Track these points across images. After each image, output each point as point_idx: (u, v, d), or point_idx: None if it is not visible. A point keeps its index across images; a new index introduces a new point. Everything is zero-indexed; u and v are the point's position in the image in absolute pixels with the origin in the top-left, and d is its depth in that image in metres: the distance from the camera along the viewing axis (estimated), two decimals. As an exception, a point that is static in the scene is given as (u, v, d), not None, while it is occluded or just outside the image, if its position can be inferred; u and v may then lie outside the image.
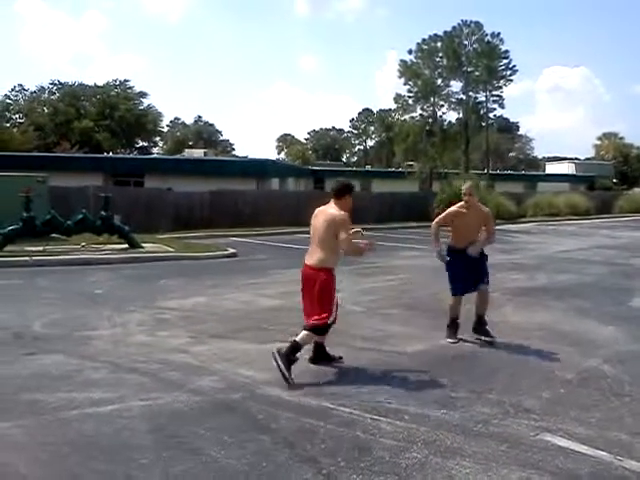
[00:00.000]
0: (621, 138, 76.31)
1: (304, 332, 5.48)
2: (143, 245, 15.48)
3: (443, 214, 7.08)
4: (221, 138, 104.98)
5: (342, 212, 5.60)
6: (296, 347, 5.36)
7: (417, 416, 4.54)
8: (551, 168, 67.90)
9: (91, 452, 3.88)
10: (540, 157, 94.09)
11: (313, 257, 5.66)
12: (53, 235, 15.23)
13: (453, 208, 7.03)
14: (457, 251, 6.87)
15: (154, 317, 7.88)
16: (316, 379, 5.40)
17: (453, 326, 6.92)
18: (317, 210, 5.91)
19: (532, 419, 4.54)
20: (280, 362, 5.20)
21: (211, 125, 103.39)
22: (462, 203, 6.89)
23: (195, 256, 14.64)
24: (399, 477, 3.60)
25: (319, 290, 5.47)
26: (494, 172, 51.46)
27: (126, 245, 15.22)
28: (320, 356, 5.88)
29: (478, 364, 5.98)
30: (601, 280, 11.79)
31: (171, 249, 15.53)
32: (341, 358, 5.94)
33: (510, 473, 3.67)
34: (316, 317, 5.46)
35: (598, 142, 78.43)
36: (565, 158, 75.36)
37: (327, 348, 5.93)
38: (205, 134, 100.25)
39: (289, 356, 5.27)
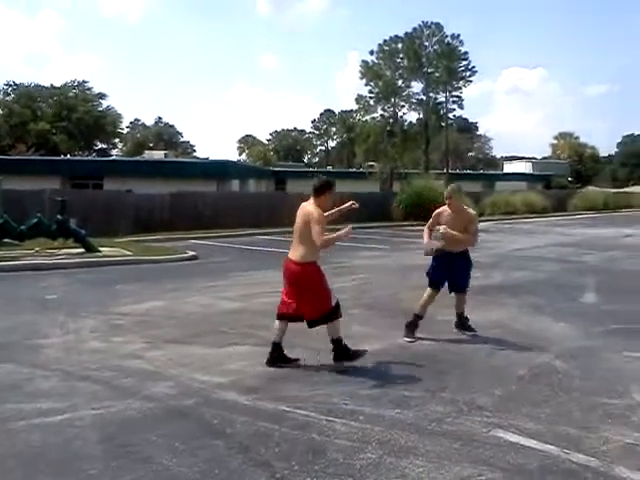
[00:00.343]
0: (576, 138, 78.23)
1: (327, 327, 5.84)
2: (100, 249, 15.21)
3: (432, 217, 7.18)
4: (182, 139, 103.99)
5: (317, 210, 5.74)
6: (337, 341, 5.80)
7: (372, 416, 4.56)
8: (509, 167, 69.08)
9: (38, 464, 3.79)
10: (498, 156, 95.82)
11: (295, 252, 5.85)
12: (5, 240, 14.85)
13: (438, 210, 7.14)
14: (443, 253, 6.98)
15: (108, 323, 7.75)
16: (272, 382, 5.38)
17: (412, 325, 7.00)
18: (300, 207, 6.02)
19: (485, 416, 4.60)
20: (339, 356, 5.79)
21: (172, 126, 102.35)
22: (446, 206, 6.99)
23: (154, 259, 14.46)
24: (353, 478, 3.60)
25: (310, 286, 5.73)
26: (453, 172, 52.12)
27: (82, 249, 14.93)
28: (277, 358, 5.87)
29: (433, 363, 6.03)
30: (555, 277, 12.04)
31: (129, 253, 15.30)
32: (298, 360, 5.95)
33: (462, 470, 3.72)
34: (318, 308, 5.74)
35: (554, 142, 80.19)
36: (523, 157, 76.85)
37: (285, 351, 5.93)
38: (165, 135, 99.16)
39: (341, 352, 5.80)
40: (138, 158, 50.03)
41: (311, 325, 5.87)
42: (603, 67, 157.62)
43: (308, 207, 5.85)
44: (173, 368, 5.79)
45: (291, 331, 7.18)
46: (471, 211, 7.21)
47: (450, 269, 7.02)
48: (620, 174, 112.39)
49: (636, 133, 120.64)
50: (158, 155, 47.36)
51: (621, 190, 65.92)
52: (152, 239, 19.44)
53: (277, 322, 5.98)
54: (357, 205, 6.39)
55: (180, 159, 53.76)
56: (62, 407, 4.72)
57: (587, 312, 8.59)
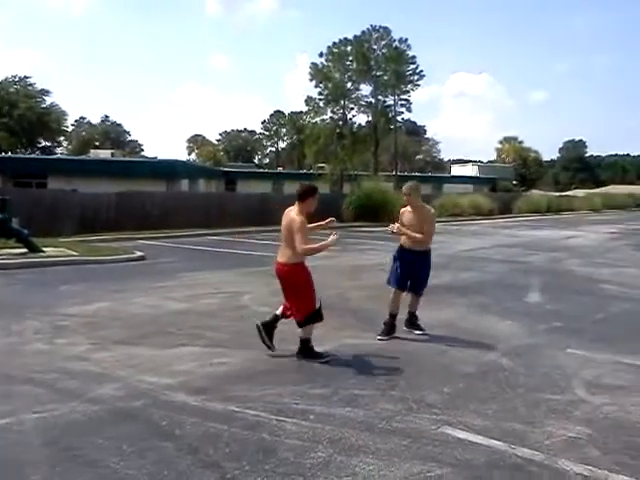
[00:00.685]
0: (520, 142, 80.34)
1: (300, 330, 6.06)
2: (44, 249, 14.76)
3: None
4: (129, 138, 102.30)
5: (299, 216, 5.89)
6: (305, 341, 6.05)
7: (322, 415, 4.56)
8: (456, 170, 70.41)
9: (-23, 470, 3.66)
10: (446, 160, 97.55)
11: (283, 255, 6.05)
12: (-58, 241, 14.28)
13: (402, 209, 7.32)
14: (403, 250, 7.17)
15: (53, 324, 7.52)
16: (222, 382, 5.32)
17: (388, 325, 7.06)
18: (285, 212, 6.19)
19: (433, 413, 4.66)
20: (303, 355, 6.01)
21: (119, 125, 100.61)
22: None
23: (100, 260, 14.12)
24: (304, 477, 3.60)
25: (297, 284, 5.98)
26: (402, 174, 52.70)
27: (25, 250, 14.46)
28: (269, 327, 6.25)
29: (383, 361, 6.08)
30: (501, 277, 12.31)
31: (74, 253, 14.90)
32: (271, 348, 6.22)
33: (412, 467, 3.75)
34: (302, 309, 5.97)
35: (499, 146, 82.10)
36: (469, 160, 78.49)
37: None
38: (113, 134, 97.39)
39: (306, 352, 6.02)
40: (84, 157, 49.00)
41: (299, 326, 6.08)
42: (545, 73, 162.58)
43: (291, 214, 5.98)
44: (120, 370, 5.66)
45: (239, 331, 7.16)
46: (428, 210, 7.30)
47: (412, 270, 7.10)
48: (562, 178, 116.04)
49: (577, 138, 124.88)
50: (104, 154, 46.45)
51: (563, 193, 67.98)
52: (98, 239, 18.99)
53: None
54: (335, 220, 6.78)
55: (128, 158, 52.81)
56: (2, 411, 4.55)
57: (532, 311, 8.82)
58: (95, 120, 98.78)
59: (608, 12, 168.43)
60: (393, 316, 7.11)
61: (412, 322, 7.35)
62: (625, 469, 3.77)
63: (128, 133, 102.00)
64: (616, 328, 7.78)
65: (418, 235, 6.92)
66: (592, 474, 3.70)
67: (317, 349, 6.13)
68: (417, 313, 7.36)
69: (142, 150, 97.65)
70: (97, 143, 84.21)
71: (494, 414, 4.67)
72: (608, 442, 4.19)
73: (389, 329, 7.05)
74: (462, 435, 4.24)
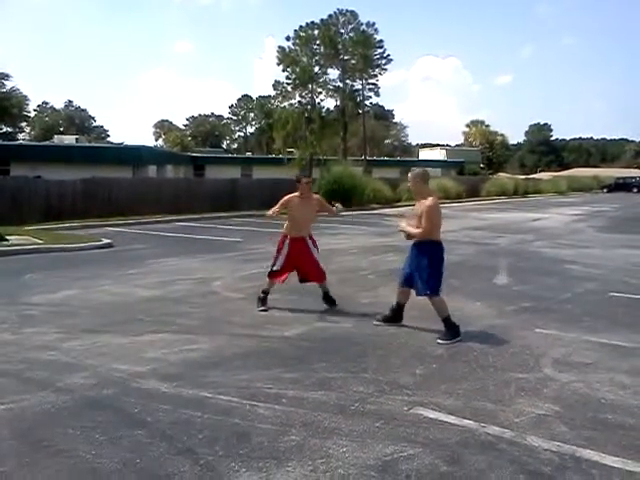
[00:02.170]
0: (487, 126, 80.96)
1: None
2: (7, 238, 14.46)
3: None
4: (95, 124, 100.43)
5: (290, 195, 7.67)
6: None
7: (295, 399, 4.57)
8: (424, 154, 70.77)
9: (-56, 462, 3.58)
10: (414, 144, 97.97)
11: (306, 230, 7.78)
12: None
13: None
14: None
15: (19, 314, 7.38)
16: (194, 369, 5.30)
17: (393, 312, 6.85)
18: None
19: (406, 394, 4.71)
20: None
21: (83, 110, 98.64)
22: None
23: (67, 247, 13.89)
24: (277, 461, 3.60)
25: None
26: (371, 158, 52.83)
27: (-12, 238, 14.15)
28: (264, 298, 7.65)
29: (355, 345, 6.11)
30: (470, 259, 12.45)
31: (40, 241, 14.63)
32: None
33: (384, 448, 3.79)
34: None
35: (466, 129, 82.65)
36: (437, 144, 78.93)
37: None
38: (77, 120, 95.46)
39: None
40: (47, 143, 47.87)
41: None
42: (510, 57, 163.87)
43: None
44: (90, 358, 5.59)
45: (209, 318, 7.13)
46: (427, 202, 6.36)
47: (411, 263, 6.58)
48: (528, 161, 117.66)
49: (542, 122, 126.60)
50: (69, 140, 45.44)
51: (530, 176, 68.98)
52: (64, 227, 18.68)
53: None
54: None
55: (93, 144, 51.86)
56: (-31, 403, 4.46)
57: (500, 292, 8.94)
58: (58, 105, 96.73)
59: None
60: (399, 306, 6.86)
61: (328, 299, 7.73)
62: (591, 444, 3.86)
63: (93, 119, 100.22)
64: (582, 307, 7.93)
65: (414, 231, 6.41)
66: (560, 449, 3.78)
67: (287, 334, 6.11)
68: (387, 297, 7.31)
69: (108, 136, 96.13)
70: (61, 129, 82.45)
71: (465, 394, 4.74)
72: (575, 418, 4.28)
73: (388, 316, 6.90)
74: (434, 415, 4.29)
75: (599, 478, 3.45)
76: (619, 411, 4.43)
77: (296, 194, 7.73)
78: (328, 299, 7.75)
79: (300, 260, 7.63)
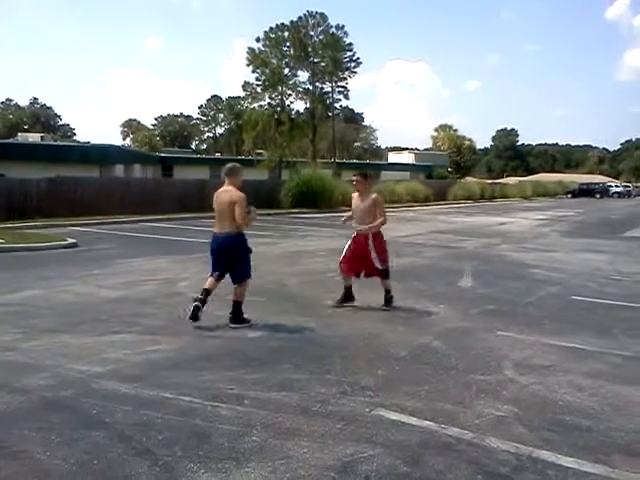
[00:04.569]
0: (455, 130, 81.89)
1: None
2: (-32, 236, 14.15)
3: None
4: (60, 122, 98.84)
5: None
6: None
7: (257, 400, 4.56)
8: (393, 158, 71.21)
9: None
10: (384, 147, 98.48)
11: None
12: None
13: None
14: None
15: (-23, 313, 7.23)
16: (155, 370, 5.24)
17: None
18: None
19: (368, 396, 4.72)
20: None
21: (49, 108, 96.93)
22: None
23: (29, 247, 13.62)
24: (237, 462, 3.58)
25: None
26: (340, 161, 53.01)
27: (-53, 237, 13.82)
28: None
29: (319, 346, 6.11)
30: (436, 262, 12.57)
31: (1, 240, 14.33)
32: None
33: (345, 449, 3.79)
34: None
35: (435, 134, 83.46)
36: (406, 148, 79.49)
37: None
38: (42, 117, 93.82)
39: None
40: (11, 140, 46.94)
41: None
42: (478, 64, 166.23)
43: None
44: (49, 359, 5.49)
45: (174, 320, 7.07)
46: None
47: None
48: (495, 166, 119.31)
49: (509, 127, 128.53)
50: (34, 138, 44.69)
51: (496, 181, 69.99)
52: (28, 226, 18.31)
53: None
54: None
55: (59, 143, 51.02)
56: None
57: (465, 295, 9.04)
58: (23, 102, 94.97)
59: (536, 2, 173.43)
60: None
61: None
62: (548, 445, 3.93)
63: (59, 117, 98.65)
64: (544, 311, 8.06)
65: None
66: (517, 450, 3.83)
67: (251, 335, 6.10)
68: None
69: (74, 135, 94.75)
70: (26, 127, 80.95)
71: (427, 395, 4.78)
72: (534, 420, 4.35)
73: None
74: (395, 417, 4.32)
75: (554, 479, 3.50)
76: (576, 413, 4.51)
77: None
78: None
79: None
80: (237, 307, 6.73)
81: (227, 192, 6.82)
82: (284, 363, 5.49)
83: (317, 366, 5.43)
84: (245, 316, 6.78)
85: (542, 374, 5.40)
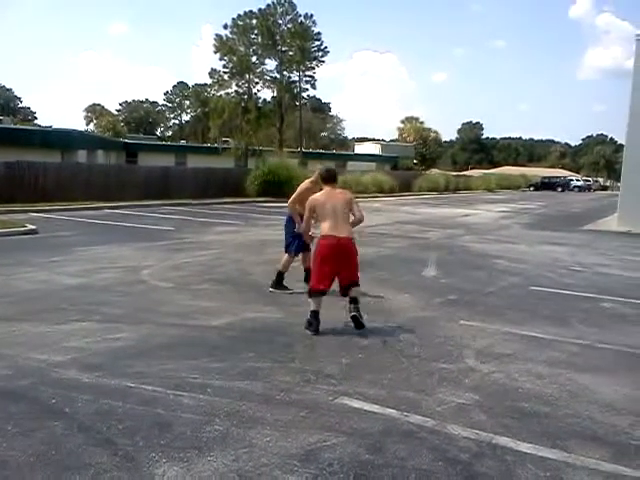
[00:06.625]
0: (421, 122, 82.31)
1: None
2: None
3: None
4: (21, 105, 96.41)
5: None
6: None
7: (221, 389, 4.53)
8: (360, 148, 71.33)
9: None
10: (350, 137, 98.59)
11: (345, 230, 6.44)
12: None
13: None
14: None
15: None
16: (117, 359, 5.16)
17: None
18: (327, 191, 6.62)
19: (331, 384, 4.73)
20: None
21: (9, 90, 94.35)
22: None
23: (-14, 233, 13.30)
24: (199, 451, 3.56)
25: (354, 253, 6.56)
26: (307, 151, 52.88)
27: None
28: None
29: (283, 335, 6.10)
30: (400, 252, 12.65)
31: (-43, 226, 13.95)
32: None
33: (308, 437, 3.80)
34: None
35: (401, 125, 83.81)
36: (372, 139, 79.70)
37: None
38: (1, 100, 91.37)
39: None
40: (-32, 123, 45.61)
41: (356, 285, 6.48)
42: (445, 56, 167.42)
43: (341, 191, 6.67)
44: (7, 348, 5.36)
45: (137, 308, 6.99)
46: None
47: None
48: (460, 158, 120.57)
49: (474, 121, 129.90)
50: (-8, 121, 43.49)
51: (461, 173, 70.78)
52: (-15, 212, 17.86)
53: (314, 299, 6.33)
54: None
55: (19, 126, 49.71)
56: None
57: (428, 285, 9.12)
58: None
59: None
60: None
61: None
62: (508, 431, 3.99)
63: (19, 99, 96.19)
64: (505, 300, 8.19)
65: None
66: (478, 437, 3.88)
67: (215, 323, 6.06)
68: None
69: (36, 118, 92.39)
70: (-17, 109, 78.77)
71: (389, 383, 4.81)
72: (494, 407, 4.42)
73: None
74: (358, 405, 4.34)
75: (513, 464, 3.57)
76: (535, 400, 4.59)
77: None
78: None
79: None
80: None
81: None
82: (248, 352, 5.47)
83: (281, 354, 5.42)
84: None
85: (503, 362, 5.49)
